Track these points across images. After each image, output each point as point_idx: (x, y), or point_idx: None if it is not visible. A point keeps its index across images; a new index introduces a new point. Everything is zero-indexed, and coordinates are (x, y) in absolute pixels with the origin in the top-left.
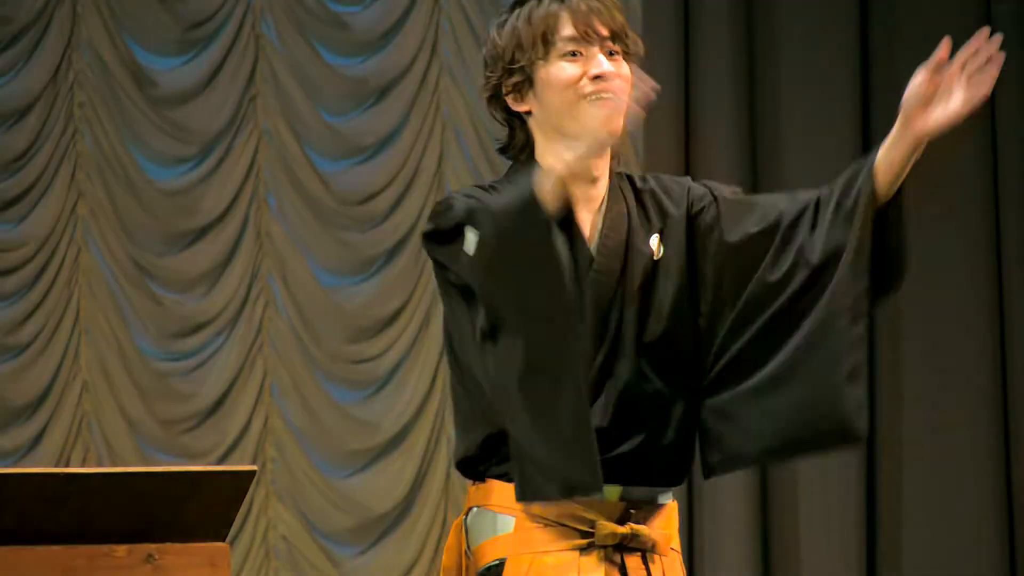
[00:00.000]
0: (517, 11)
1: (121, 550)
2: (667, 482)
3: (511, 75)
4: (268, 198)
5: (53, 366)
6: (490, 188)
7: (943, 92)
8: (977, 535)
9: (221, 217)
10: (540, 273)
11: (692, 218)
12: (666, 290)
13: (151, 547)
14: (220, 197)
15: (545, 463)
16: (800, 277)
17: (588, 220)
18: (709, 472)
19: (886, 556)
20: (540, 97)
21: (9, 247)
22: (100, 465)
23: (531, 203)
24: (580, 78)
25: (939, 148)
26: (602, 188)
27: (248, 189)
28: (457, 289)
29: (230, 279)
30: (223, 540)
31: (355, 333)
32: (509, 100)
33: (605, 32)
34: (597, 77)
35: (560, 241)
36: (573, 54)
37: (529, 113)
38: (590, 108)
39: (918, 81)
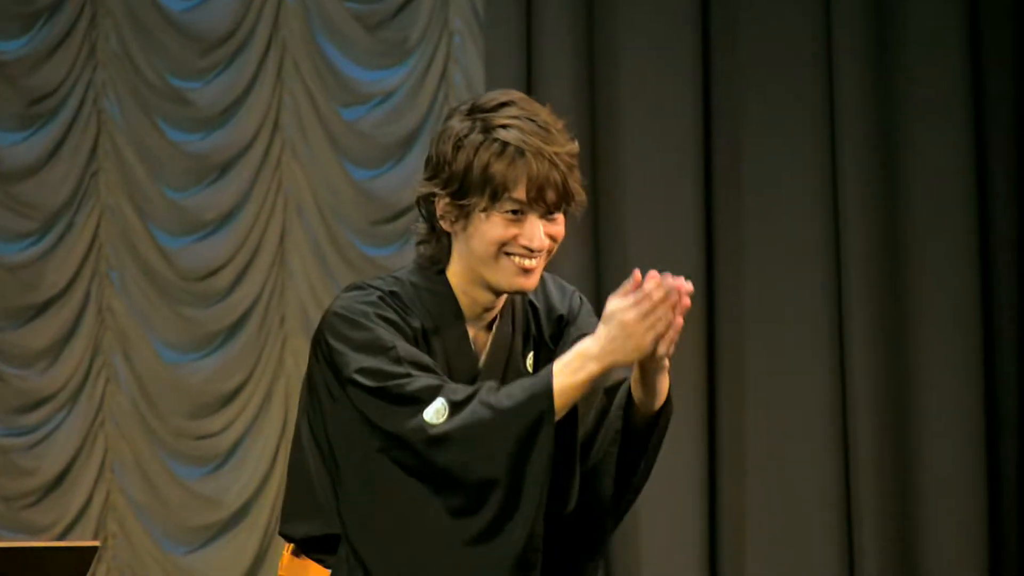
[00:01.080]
0: (475, 137)
1: None
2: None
3: (450, 202)
4: (110, 273)
5: None
6: (392, 297)
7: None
8: (819, 538)
9: (63, 292)
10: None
11: (557, 347)
12: None
13: None
14: (62, 272)
15: None
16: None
17: (476, 337)
18: None
19: (729, 562)
20: (468, 236)
21: None
22: None
23: (544, 409)
24: (512, 239)
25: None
26: (497, 309)
27: (90, 264)
28: (360, 413)
29: (72, 354)
30: None
31: (197, 409)
32: (440, 216)
33: (553, 200)
34: (526, 247)
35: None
36: (515, 212)
37: (454, 234)
38: (509, 266)
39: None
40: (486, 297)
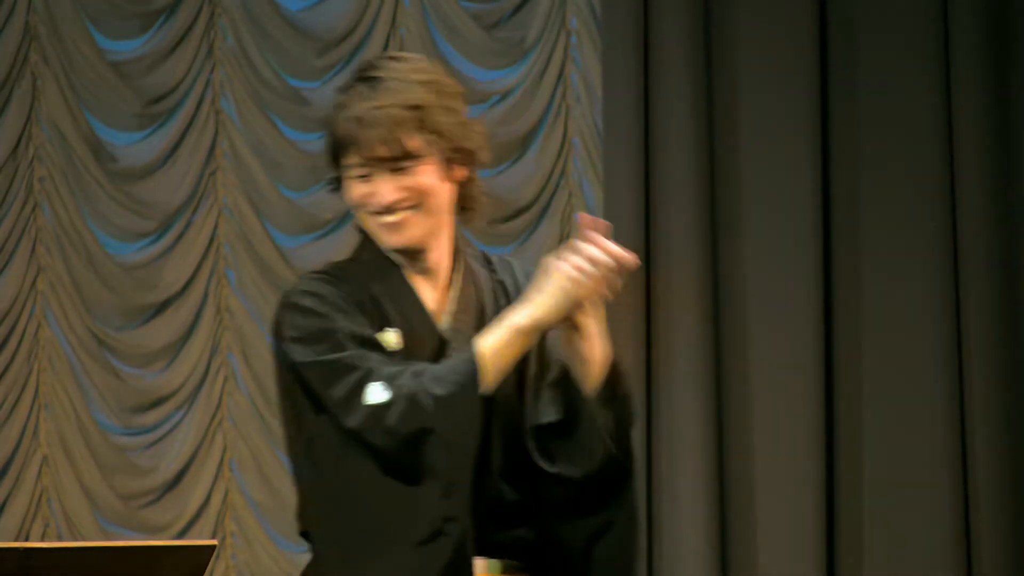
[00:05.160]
0: (329, 109)
1: None
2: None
3: (334, 178)
4: (228, 273)
5: (13, 441)
6: (337, 271)
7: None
8: (936, 536)
9: (181, 292)
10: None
11: None
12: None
13: None
14: (180, 272)
15: None
16: None
17: (433, 298)
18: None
19: (845, 557)
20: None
21: None
22: (59, 540)
23: (471, 386)
24: (364, 200)
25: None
26: (443, 265)
27: (208, 264)
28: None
29: (190, 354)
30: None
31: None
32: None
33: (386, 154)
34: (378, 205)
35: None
36: (360, 175)
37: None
38: (376, 225)
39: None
40: (413, 260)
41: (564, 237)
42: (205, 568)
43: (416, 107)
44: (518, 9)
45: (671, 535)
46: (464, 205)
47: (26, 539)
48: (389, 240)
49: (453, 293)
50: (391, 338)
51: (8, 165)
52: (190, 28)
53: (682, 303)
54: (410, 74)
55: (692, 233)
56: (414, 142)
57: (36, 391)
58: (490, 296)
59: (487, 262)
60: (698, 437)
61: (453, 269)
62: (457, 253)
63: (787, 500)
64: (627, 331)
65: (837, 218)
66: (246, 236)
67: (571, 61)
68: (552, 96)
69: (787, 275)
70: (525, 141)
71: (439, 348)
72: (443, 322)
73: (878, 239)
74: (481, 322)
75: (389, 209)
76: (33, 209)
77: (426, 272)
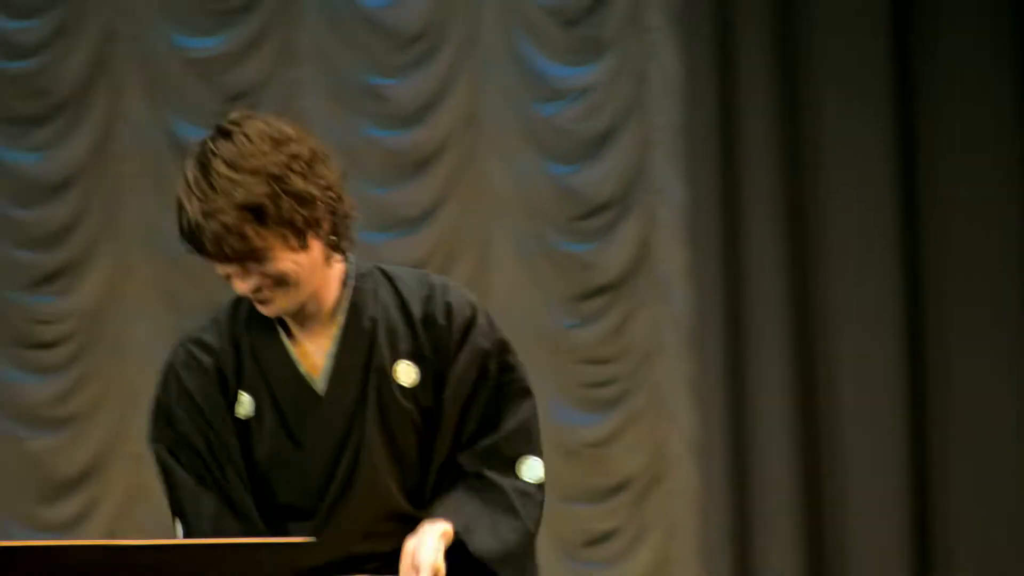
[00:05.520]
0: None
1: None
2: None
3: None
4: None
5: (101, 439)
6: (205, 333)
7: None
8: None
9: None
10: None
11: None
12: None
13: None
14: None
15: None
16: None
17: (316, 343)
18: None
19: (937, 553)
20: None
21: (55, 319)
22: (150, 538)
23: None
24: (230, 281)
25: None
26: (325, 307)
27: None
28: None
29: None
30: None
31: None
32: None
33: (233, 256)
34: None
35: None
36: (229, 276)
37: None
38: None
39: None
40: (309, 313)
41: (644, 235)
42: (302, 564)
43: (254, 206)
44: (596, 5)
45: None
46: (337, 239)
47: (117, 536)
48: (264, 311)
49: (335, 332)
50: (240, 408)
51: (92, 163)
52: (268, 25)
53: (766, 296)
54: (249, 159)
55: (774, 228)
56: (259, 239)
57: (124, 389)
58: (384, 316)
59: (387, 279)
60: (784, 442)
61: (336, 308)
62: (343, 286)
63: (878, 516)
64: (711, 329)
65: (922, 212)
66: None
67: (650, 58)
68: (631, 92)
69: (871, 273)
70: (604, 138)
71: (311, 403)
72: (324, 367)
73: (964, 245)
74: (371, 353)
75: (252, 294)
76: (118, 208)
77: (306, 319)
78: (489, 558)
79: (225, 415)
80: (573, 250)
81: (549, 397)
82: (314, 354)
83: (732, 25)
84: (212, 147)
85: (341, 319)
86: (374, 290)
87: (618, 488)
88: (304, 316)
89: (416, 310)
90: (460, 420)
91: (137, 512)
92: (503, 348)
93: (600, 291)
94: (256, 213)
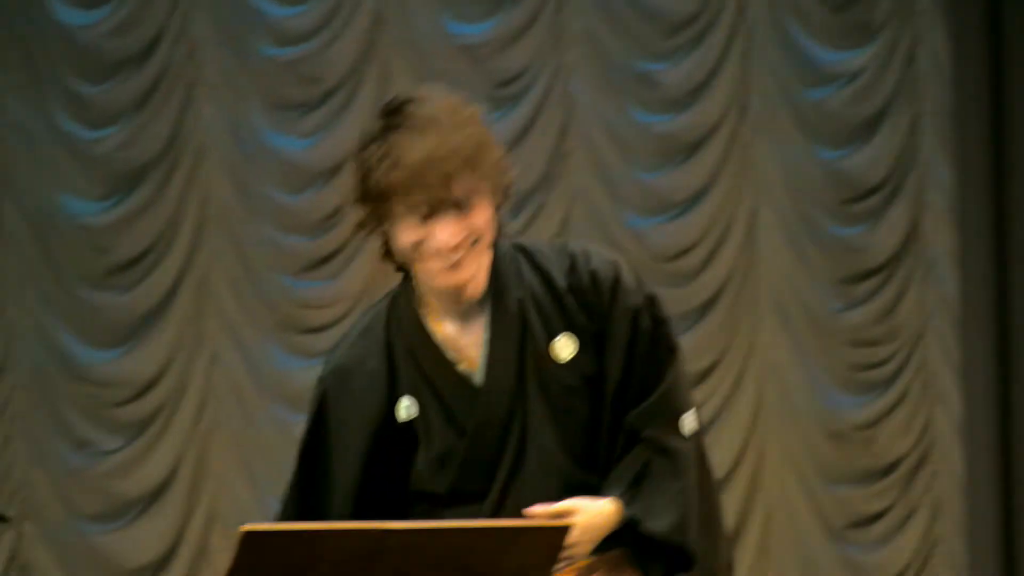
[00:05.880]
0: (372, 148)
1: None
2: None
3: (364, 211)
4: None
5: None
6: (362, 338)
7: None
8: None
9: None
10: None
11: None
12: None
13: None
14: None
15: None
16: None
17: (470, 338)
18: None
19: None
20: (392, 242)
21: (323, 304)
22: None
23: None
24: (420, 242)
25: None
26: (479, 295)
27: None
28: None
29: None
30: None
31: None
32: (361, 224)
33: (450, 196)
34: (436, 249)
35: None
36: (420, 217)
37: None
38: (433, 265)
39: None
40: (457, 301)
41: (913, 218)
42: (559, 549)
43: (469, 148)
44: None
45: None
46: (500, 220)
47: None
48: (447, 281)
49: (485, 321)
50: (403, 412)
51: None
52: (538, 11)
53: None
54: (453, 115)
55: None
56: (469, 182)
57: None
58: (531, 295)
59: (526, 256)
60: None
61: (485, 294)
62: (493, 279)
63: None
64: (979, 311)
65: None
66: (598, 217)
67: (919, 41)
68: (901, 77)
69: None
70: (873, 122)
71: (471, 396)
72: (479, 357)
73: None
74: (524, 336)
75: (451, 250)
76: None
77: (462, 310)
78: (664, 536)
79: (371, 427)
80: (842, 233)
81: (816, 379)
82: (467, 347)
83: (1002, 7)
84: (413, 105)
85: (489, 306)
86: (517, 270)
87: (886, 471)
88: (461, 300)
89: (561, 282)
90: (623, 381)
91: None
92: (652, 302)
93: (869, 274)
94: (471, 158)
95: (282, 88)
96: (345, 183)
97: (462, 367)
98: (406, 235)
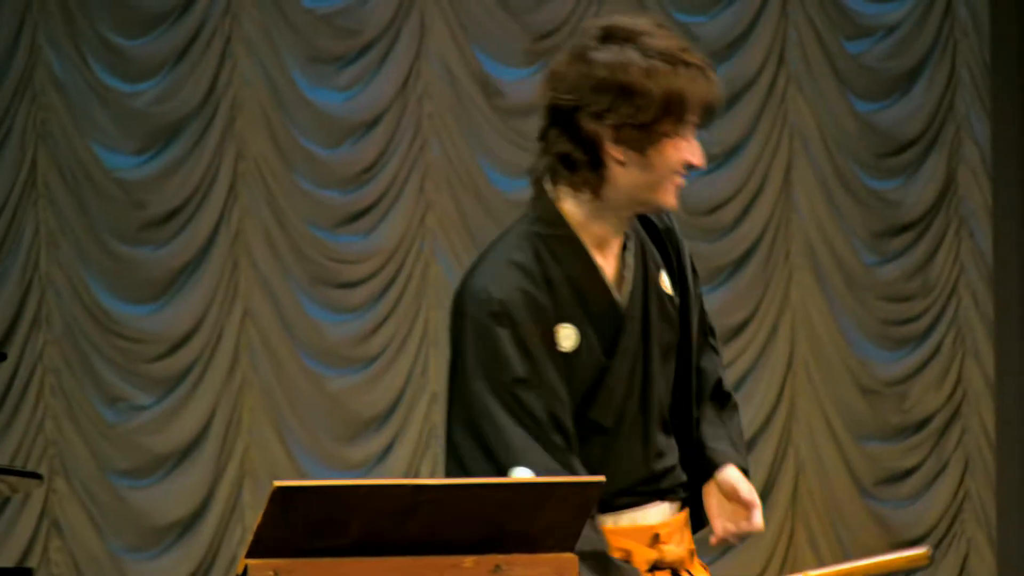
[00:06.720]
0: (660, 64)
1: (468, 561)
2: (686, 496)
3: (633, 130)
4: None
5: (402, 377)
6: (529, 267)
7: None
8: None
9: None
10: None
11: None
12: (674, 322)
13: (499, 558)
14: None
15: None
16: None
17: (609, 270)
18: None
19: None
20: (647, 162)
21: (358, 259)
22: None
23: None
24: (692, 159)
25: None
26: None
27: None
28: None
29: None
30: (570, 550)
31: None
32: (614, 144)
33: (711, 116)
34: (693, 166)
35: None
36: (689, 132)
37: (620, 163)
38: (672, 187)
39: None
40: (616, 226)
41: (950, 172)
42: (592, 504)
43: None
44: None
45: None
46: None
47: (415, 476)
48: (672, 202)
49: (617, 250)
50: (566, 341)
51: (397, 102)
52: None
53: None
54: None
55: None
56: None
57: (425, 328)
58: (637, 230)
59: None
60: None
61: (626, 234)
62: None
63: None
64: (1012, 266)
65: None
66: None
67: None
68: (939, 30)
69: None
70: (911, 75)
71: (618, 321)
72: (623, 293)
73: None
74: (645, 266)
75: (689, 168)
76: (422, 146)
77: (608, 242)
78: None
79: (547, 356)
80: (877, 187)
81: (850, 334)
82: (611, 274)
83: None
84: (665, 30)
85: (622, 235)
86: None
87: (918, 426)
88: (610, 236)
89: (655, 219)
90: (700, 317)
91: (434, 450)
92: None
93: (904, 228)
94: None
95: (319, 41)
96: (380, 136)
97: (615, 294)
98: (680, 152)
